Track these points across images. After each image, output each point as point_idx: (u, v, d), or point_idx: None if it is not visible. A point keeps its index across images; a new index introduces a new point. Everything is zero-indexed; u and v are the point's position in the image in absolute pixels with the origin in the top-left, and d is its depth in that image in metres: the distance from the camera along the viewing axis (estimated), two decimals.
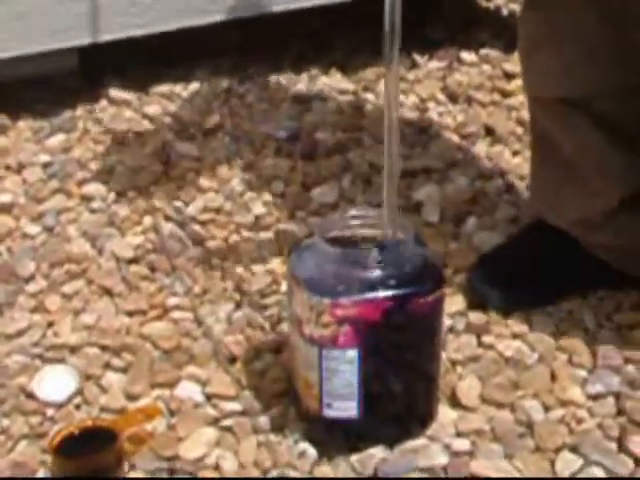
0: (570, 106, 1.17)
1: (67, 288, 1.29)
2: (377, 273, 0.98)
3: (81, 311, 1.25)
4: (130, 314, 1.25)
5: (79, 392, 1.13)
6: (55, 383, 1.13)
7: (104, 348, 1.19)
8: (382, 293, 0.97)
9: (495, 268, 1.24)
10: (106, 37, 1.59)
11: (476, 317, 1.23)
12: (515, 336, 1.20)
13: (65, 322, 1.23)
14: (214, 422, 1.10)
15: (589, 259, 1.22)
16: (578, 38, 1.15)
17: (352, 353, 0.98)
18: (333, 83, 1.75)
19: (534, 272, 1.22)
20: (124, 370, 1.16)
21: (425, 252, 1.03)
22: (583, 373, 1.15)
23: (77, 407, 1.12)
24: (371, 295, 0.97)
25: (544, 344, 1.19)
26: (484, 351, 1.19)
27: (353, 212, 1.04)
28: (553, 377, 1.15)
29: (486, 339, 1.20)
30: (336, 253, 0.98)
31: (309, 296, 0.99)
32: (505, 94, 1.72)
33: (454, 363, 1.17)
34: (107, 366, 1.17)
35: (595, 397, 1.12)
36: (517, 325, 1.22)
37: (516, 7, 2.05)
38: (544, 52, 1.18)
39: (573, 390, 1.13)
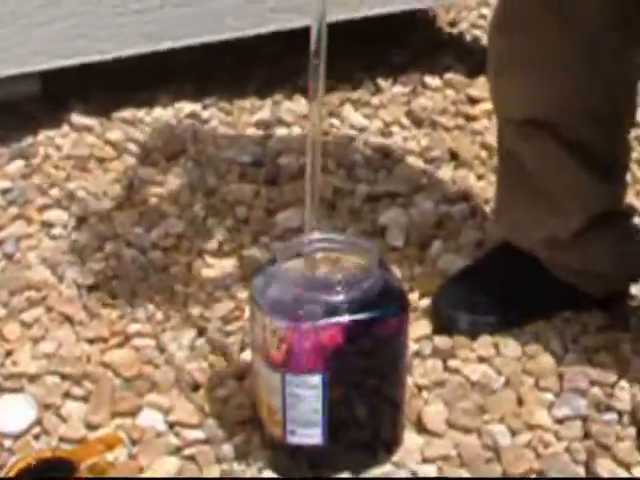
0: (537, 128, 1.17)
1: (26, 316, 1.26)
2: (340, 297, 0.97)
3: (41, 339, 1.23)
4: (91, 342, 1.22)
5: (38, 422, 1.11)
6: (13, 413, 1.11)
7: (64, 377, 1.17)
8: (345, 317, 0.96)
9: (460, 291, 1.23)
10: (68, 62, 1.57)
11: (442, 341, 1.22)
12: (481, 360, 1.19)
13: (24, 350, 1.21)
14: (176, 451, 1.08)
15: (554, 281, 1.21)
16: (547, 62, 1.15)
17: (315, 379, 0.97)
18: (297, 108, 1.74)
19: (499, 295, 1.21)
20: (84, 399, 1.14)
21: (388, 276, 1.02)
22: (550, 396, 1.14)
23: (36, 437, 1.09)
24: (334, 319, 0.96)
25: (510, 368, 1.18)
26: (450, 375, 1.18)
27: (315, 236, 1.02)
28: (520, 401, 1.14)
29: (452, 363, 1.19)
30: (298, 277, 0.97)
31: (271, 320, 0.97)
32: (469, 118, 1.72)
33: (420, 388, 1.16)
34: (67, 395, 1.14)
35: (562, 420, 1.12)
36: (483, 349, 1.21)
37: (479, 33, 2.06)
38: (512, 74, 1.18)
39: (540, 414, 1.12)
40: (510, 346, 1.21)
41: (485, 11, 2.16)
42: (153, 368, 1.19)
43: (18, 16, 1.52)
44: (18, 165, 1.56)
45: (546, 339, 1.22)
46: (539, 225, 1.21)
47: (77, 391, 1.15)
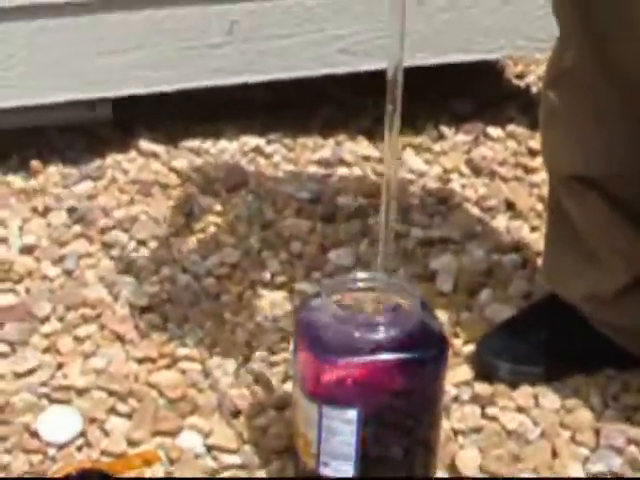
0: (584, 184, 1.19)
1: (80, 331, 1.31)
2: (381, 336, 0.99)
3: (91, 355, 1.27)
4: (139, 361, 1.26)
5: (82, 434, 1.15)
6: (59, 424, 1.15)
7: (111, 393, 1.20)
8: (385, 356, 0.98)
9: (504, 340, 1.24)
10: (137, 91, 1.63)
11: (482, 388, 1.23)
12: (520, 410, 1.20)
13: (75, 364, 1.25)
14: (212, 473, 1.11)
15: (597, 337, 1.22)
16: (595, 118, 1.16)
17: (351, 413, 0.99)
18: (359, 150, 1.77)
19: (542, 347, 1.22)
20: (128, 416, 1.18)
21: (430, 319, 1.04)
22: (585, 451, 1.15)
23: (79, 449, 1.13)
24: (373, 357, 0.98)
25: (548, 420, 1.19)
26: (487, 422, 1.19)
27: (361, 274, 1.05)
28: (554, 453, 1.14)
29: (490, 411, 1.20)
30: (342, 313, 1.00)
31: (313, 354, 1.00)
32: (528, 170, 1.74)
33: (456, 433, 1.17)
34: (112, 410, 1.18)
35: (596, 476, 1.12)
36: (522, 399, 1.22)
37: None
38: (559, 129, 1.20)
39: (573, 467, 1.12)
40: (549, 398, 1.22)
41: None
42: (197, 392, 1.22)
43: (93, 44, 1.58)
44: (86, 186, 1.61)
45: (586, 394, 1.22)
46: (583, 280, 1.22)
47: (122, 407, 1.18)
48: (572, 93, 1.18)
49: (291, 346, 1.28)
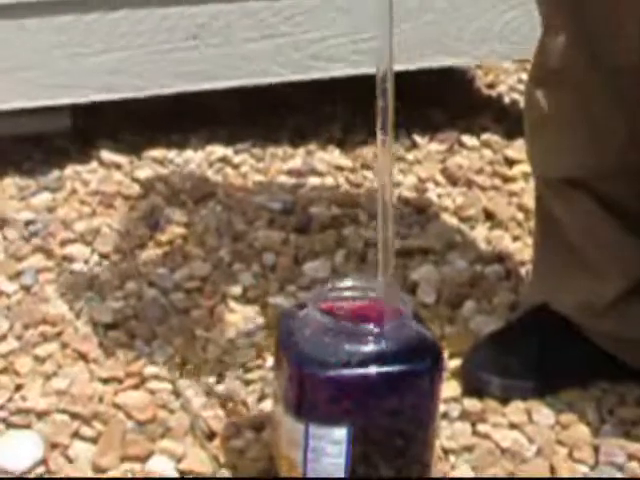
0: (575, 187, 1.13)
1: (40, 350, 1.22)
2: (372, 347, 0.91)
3: (52, 375, 1.18)
4: (105, 381, 1.17)
5: (43, 461, 1.06)
6: (18, 450, 1.05)
7: (74, 416, 1.11)
8: (376, 369, 0.91)
9: (493, 353, 1.18)
10: (98, 97, 1.55)
11: (471, 404, 1.16)
12: (513, 426, 1.13)
13: (34, 386, 1.16)
14: None
15: (591, 348, 1.16)
16: (586, 119, 1.12)
17: (340, 432, 0.91)
18: (331, 159, 1.71)
19: (533, 360, 1.16)
20: (93, 440, 1.09)
21: (423, 329, 0.97)
22: (584, 469, 1.08)
23: (39, 478, 1.04)
24: (362, 370, 0.91)
25: (543, 436, 1.12)
26: (479, 440, 1.11)
27: (348, 282, 0.97)
28: (552, 471, 1.08)
29: (481, 428, 1.13)
30: (329, 324, 0.92)
31: (297, 368, 0.92)
32: (506, 179, 1.68)
33: (447, 451, 1.10)
34: (75, 435, 1.09)
35: None
36: (515, 415, 1.15)
37: (518, 96, 2.03)
38: (550, 131, 1.15)
39: None
40: (543, 413, 1.15)
41: (524, 76, 2.14)
42: (168, 413, 1.13)
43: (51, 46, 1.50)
44: (44, 198, 1.52)
45: (581, 409, 1.16)
46: (576, 289, 1.16)
47: (86, 431, 1.09)
48: (562, 93, 1.12)
49: (267, 362, 1.20)
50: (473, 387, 1.17)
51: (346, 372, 0.91)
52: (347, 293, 0.97)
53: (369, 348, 0.91)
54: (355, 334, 0.91)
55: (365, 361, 0.91)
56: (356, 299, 0.96)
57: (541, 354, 1.17)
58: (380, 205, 0.96)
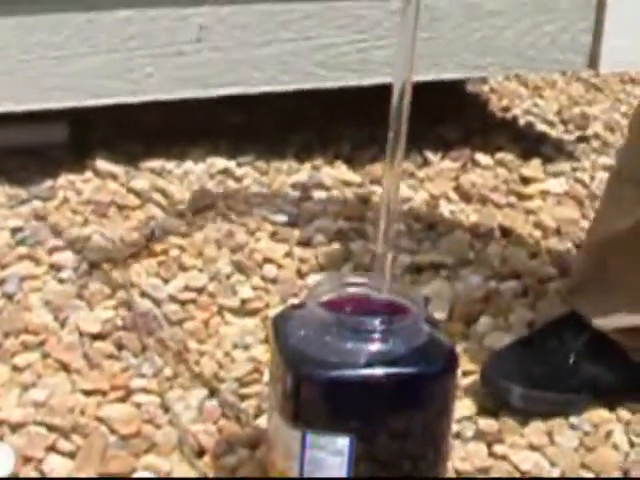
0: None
1: (19, 360, 1.12)
2: (378, 346, 0.82)
3: (31, 386, 1.08)
4: (87, 393, 1.08)
5: (14, 476, 0.96)
6: None
7: (51, 428, 1.02)
8: (382, 370, 0.81)
9: (516, 361, 1.07)
10: (97, 101, 1.47)
11: (487, 424, 1.06)
12: (533, 447, 1.03)
13: (11, 396, 1.06)
14: None
15: (627, 364, 1.05)
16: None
17: (342, 442, 0.81)
18: (338, 174, 1.62)
19: (560, 369, 1.05)
20: (71, 455, 0.99)
21: (436, 331, 0.87)
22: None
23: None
24: (368, 372, 0.81)
25: (567, 459, 1.02)
26: (495, 462, 1.01)
27: (350, 278, 0.88)
28: None
29: (498, 449, 1.03)
30: (331, 319, 0.82)
31: (295, 370, 0.82)
32: (522, 197, 1.60)
33: (460, 474, 1.00)
34: (51, 448, 0.99)
35: None
36: (535, 435, 1.05)
37: (533, 119, 1.95)
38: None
39: None
40: (566, 435, 1.05)
41: (539, 101, 2.07)
42: (154, 428, 1.04)
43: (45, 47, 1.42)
44: (33, 206, 1.44)
45: (607, 430, 1.06)
46: (621, 313, 1.06)
47: (64, 445, 1.00)
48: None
49: (264, 378, 1.11)
50: (493, 396, 1.06)
51: (349, 373, 0.81)
52: (351, 289, 0.88)
53: (375, 347, 0.81)
54: (359, 331, 0.81)
55: (370, 361, 0.81)
56: (360, 296, 0.87)
57: (567, 363, 1.06)
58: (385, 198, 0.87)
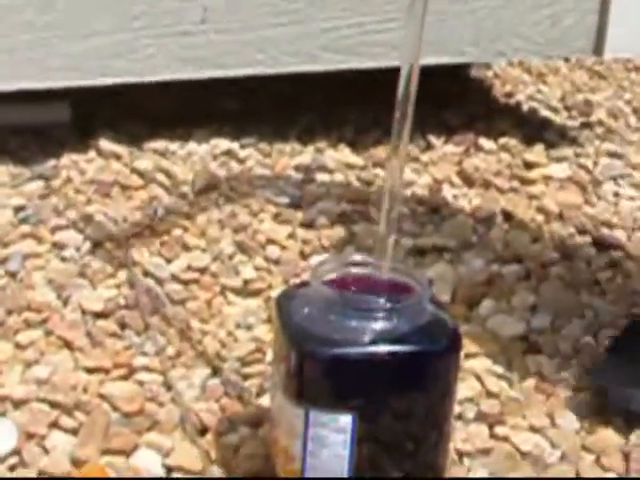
0: None
1: (22, 337, 1.12)
2: (382, 324, 0.82)
3: (34, 363, 1.08)
4: (90, 371, 1.08)
5: (16, 452, 0.96)
6: None
7: (54, 405, 1.02)
8: (386, 348, 0.81)
9: (631, 367, 1.04)
10: (101, 81, 1.47)
11: (489, 405, 1.06)
12: (534, 429, 1.03)
13: (13, 372, 1.06)
14: None
15: None
16: None
17: (345, 419, 0.81)
18: (341, 157, 1.62)
19: None
20: (74, 431, 0.99)
21: (440, 311, 0.88)
22: (613, 477, 0.98)
23: (11, 468, 0.94)
24: (372, 349, 0.81)
25: (568, 441, 1.02)
26: (497, 443, 1.01)
27: (354, 257, 0.88)
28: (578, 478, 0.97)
29: (499, 430, 1.03)
30: (335, 298, 0.83)
31: (299, 347, 0.82)
32: (526, 182, 1.60)
33: (461, 454, 1.00)
34: (54, 425, 0.99)
35: None
36: (536, 418, 1.05)
37: (536, 104, 1.95)
38: None
39: None
40: (568, 417, 1.05)
41: (542, 87, 2.07)
42: (157, 406, 1.04)
43: (50, 27, 1.42)
44: (37, 185, 1.44)
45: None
46: None
47: (66, 422, 1.00)
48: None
49: (267, 357, 1.11)
50: (612, 406, 1.04)
51: (352, 350, 0.81)
52: (354, 268, 0.88)
53: (379, 325, 0.81)
54: (364, 309, 0.81)
55: (374, 339, 0.81)
56: (364, 275, 0.87)
57: None
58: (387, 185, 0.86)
